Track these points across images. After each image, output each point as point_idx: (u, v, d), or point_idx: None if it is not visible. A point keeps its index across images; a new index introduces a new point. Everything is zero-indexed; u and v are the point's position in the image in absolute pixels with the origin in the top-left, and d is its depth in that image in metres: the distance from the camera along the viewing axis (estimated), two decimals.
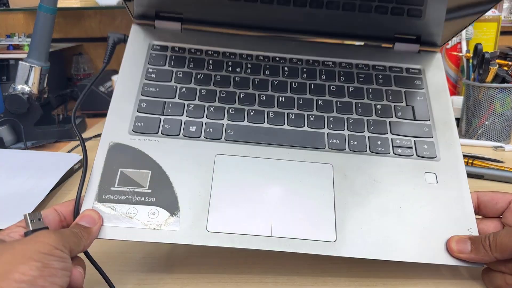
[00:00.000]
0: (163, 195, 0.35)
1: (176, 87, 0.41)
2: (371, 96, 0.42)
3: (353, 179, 0.37)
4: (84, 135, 0.80)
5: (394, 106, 0.42)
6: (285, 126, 0.40)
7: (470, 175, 0.59)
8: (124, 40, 0.45)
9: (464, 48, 0.87)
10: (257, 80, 0.42)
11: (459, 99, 0.81)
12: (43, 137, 0.75)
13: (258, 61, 0.44)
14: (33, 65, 0.72)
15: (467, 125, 0.73)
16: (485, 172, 0.58)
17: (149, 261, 0.39)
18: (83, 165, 0.37)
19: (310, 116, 0.40)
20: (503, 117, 0.70)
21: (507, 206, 0.37)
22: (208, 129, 0.39)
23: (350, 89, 0.43)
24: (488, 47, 0.87)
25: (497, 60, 0.69)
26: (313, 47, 0.45)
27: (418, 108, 0.42)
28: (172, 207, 0.34)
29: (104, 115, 1.03)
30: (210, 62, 0.43)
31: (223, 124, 0.39)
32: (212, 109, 0.40)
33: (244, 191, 0.36)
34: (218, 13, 0.43)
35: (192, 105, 0.40)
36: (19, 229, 0.31)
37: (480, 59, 0.69)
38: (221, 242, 0.33)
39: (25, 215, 0.31)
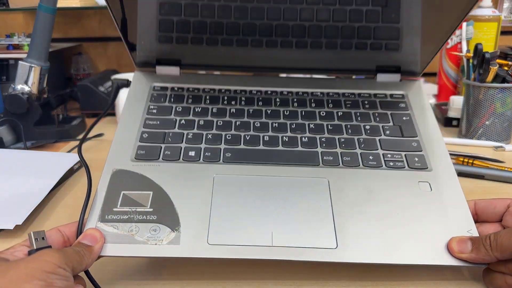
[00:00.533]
0: (164, 212, 0.36)
1: (176, 120, 0.44)
2: (359, 119, 0.45)
3: (349, 190, 0.38)
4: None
5: (382, 126, 0.44)
6: (280, 148, 0.42)
7: (470, 175, 0.59)
8: (127, 85, 0.48)
9: (464, 48, 0.87)
10: (251, 110, 0.45)
11: (459, 99, 0.81)
12: (42, 137, 0.75)
13: (251, 94, 0.47)
14: (32, 65, 0.72)
15: (467, 125, 0.73)
16: (485, 172, 0.58)
17: (148, 260, 0.39)
18: (87, 190, 0.38)
19: (303, 138, 0.43)
20: (504, 117, 0.69)
21: (505, 209, 0.37)
22: (206, 153, 0.41)
23: (339, 114, 0.45)
24: (488, 47, 0.87)
25: (497, 60, 0.69)
26: (302, 81, 0.49)
27: (405, 126, 0.44)
28: (173, 223, 0.35)
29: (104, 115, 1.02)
30: (207, 97, 0.46)
31: (220, 148, 0.42)
32: (210, 136, 0.43)
33: (243, 205, 0.37)
34: (214, 57, 0.47)
35: (191, 134, 0.43)
36: (23, 248, 0.31)
37: (480, 59, 0.69)
38: (222, 253, 0.34)
39: (29, 234, 0.31)
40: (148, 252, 0.34)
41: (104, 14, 1.10)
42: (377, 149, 0.42)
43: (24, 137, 0.71)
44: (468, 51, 0.78)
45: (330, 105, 0.46)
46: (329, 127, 0.44)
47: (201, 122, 0.44)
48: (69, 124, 0.80)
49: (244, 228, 0.35)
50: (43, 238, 0.32)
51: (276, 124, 0.44)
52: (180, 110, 0.45)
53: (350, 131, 0.43)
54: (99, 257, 0.34)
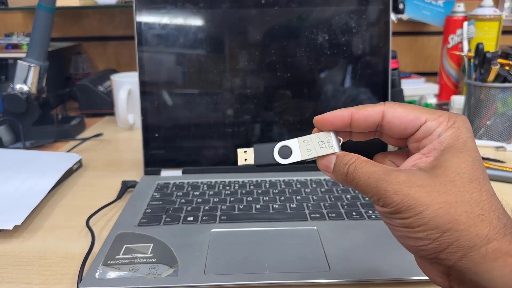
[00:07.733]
0: (163, 256, 0.39)
1: (177, 200, 0.50)
2: (340, 192, 0.52)
3: (336, 234, 0.43)
4: (83, 135, 0.80)
5: (361, 195, 0.51)
6: (271, 211, 0.48)
7: None
8: (134, 185, 0.55)
9: (466, 47, 0.87)
10: (244, 191, 0.53)
11: (460, 99, 0.81)
12: (42, 137, 0.75)
13: (243, 183, 0.55)
14: (32, 65, 0.71)
15: None
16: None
17: None
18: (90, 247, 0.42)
19: (291, 204, 0.49)
20: (505, 117, 0.69)
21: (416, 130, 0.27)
22: (204, 217, 0.46)
23: (322, 190, 0.53)
24: (490, 47, 0.87)
25: (499, 60, 0.69)
26: (286, 173, 0.58)
27: None
28: (171, 262, 0.38)
29: (103, 114, 1.03)
30: (205, 186, 0.54)
31: (217, 215, 0.47)
32: (207, 207, 0.48)
33: (238, 247, 0.40)
34: (212, 162, 0.59)
35: (190, 207, 0.49)
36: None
37: (482, 58, 0.69)
38: (219, 280, 0.36)
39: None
40: (148, 283, 0.35)
41: (104, 13, 1.09)
42: (359, 208, 0.48)
43: (23, 137, 0.71)
44: (469, 50, 0.78)
45: (314, 185, 0.54)
46: (314, 197, 0.50)
47: (199, 200, 0.50)
48: (68, 124, 0.80)
49: (240, 262, 0.38)
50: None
51: (267, 198, 0.51)
52: (180, 194, 0.52)
53: (333, 199, 0.50)
54: None
